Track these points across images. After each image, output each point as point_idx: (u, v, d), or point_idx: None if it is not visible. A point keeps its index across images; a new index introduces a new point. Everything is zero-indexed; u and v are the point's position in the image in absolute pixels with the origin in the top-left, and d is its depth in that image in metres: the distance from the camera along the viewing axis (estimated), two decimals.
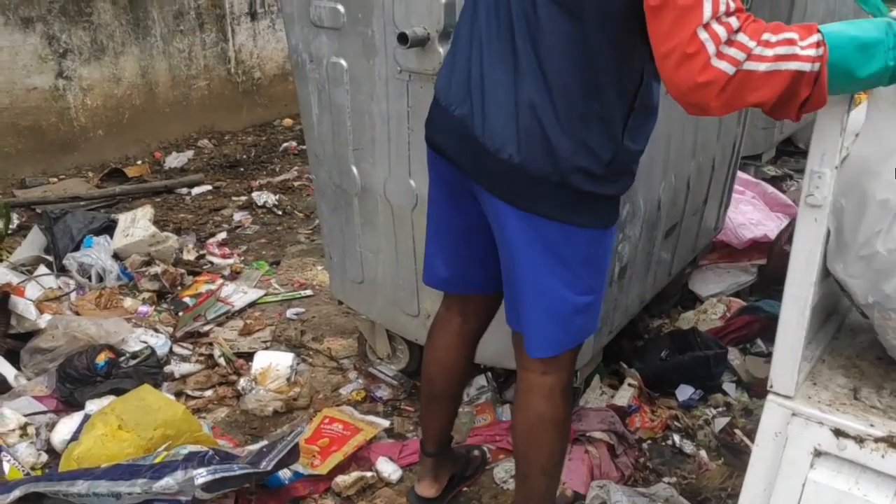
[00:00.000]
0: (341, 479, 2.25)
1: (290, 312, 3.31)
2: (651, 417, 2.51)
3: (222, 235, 4.12)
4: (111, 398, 2.50)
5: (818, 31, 1.19)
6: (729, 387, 2.70)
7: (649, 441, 2.46)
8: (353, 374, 2.86)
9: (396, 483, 2.29)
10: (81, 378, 2.61)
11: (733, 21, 1.19)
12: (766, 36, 1.19)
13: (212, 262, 3.76)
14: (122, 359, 2.73)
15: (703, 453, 2.39)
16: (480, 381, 2.65)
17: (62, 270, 3.37)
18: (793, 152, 4.98)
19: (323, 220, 2.72)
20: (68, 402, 2.58)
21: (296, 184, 4.95)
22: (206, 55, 5.76)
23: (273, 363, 2.78)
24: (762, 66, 1.18)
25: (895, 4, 1.38)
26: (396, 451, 2.39)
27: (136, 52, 5.30)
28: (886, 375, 1.51)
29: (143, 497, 1.93)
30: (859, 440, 1.36)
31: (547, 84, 1.44)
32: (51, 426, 2.45)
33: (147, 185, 4.84)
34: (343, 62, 2.29)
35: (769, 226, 3.38)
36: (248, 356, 2.90)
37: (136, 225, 3.55)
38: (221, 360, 2.87)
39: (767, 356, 2.78)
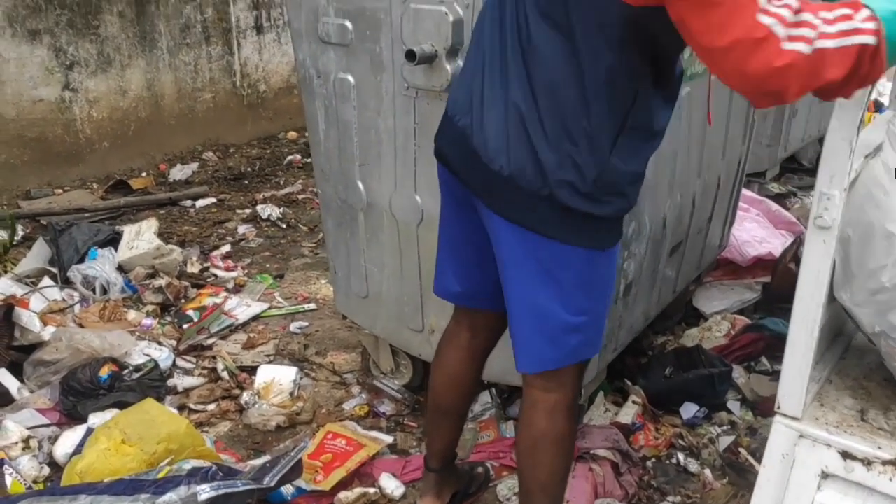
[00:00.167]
0: (344, 496, 2.24)
1: (293, 326, 3.31)
2: (655, 435, 2.50)
3: (226, 248, 4.12)
4: (114, 411, 2.49)
5: (864, 5, 1.18)
6: (734, 405, 2.68)
7: (653, 459, 2.45)
8: (357, 388, 2.85)
9: (399, 500, 2.27)
10: (84, 391, 2.61)
11: (792, 0, 1.17)
12: (823, 13, 1.17)
13: (215, 275, 3.76)
14: (126, 372, 2.73)
15: (707, 472, 2.38)
16: (484, 397, 2.64)
17: (66, 282, 3.37)
18: (796, 169, 4.98)
19: (328, 234, 2.72)
20: (71, 415, 2.58)
21: (300, 197, 4.95)
22: (212, 68, 5.79)
23: (276, 377, 2.78)
24: (831, 43, 1.15)
25: None
26: (399, 467, 2.38)
27: (143, 65, 5.33)
28: (894, 397, 1.51)
29: None
30: (867, 463, 1.36)
31: (534, 97, 1.44)
32: (53, 439, 2.45)
33: (152, 197, 4.85)
34: (350, 78, 2.30)
35: (773, 243, 3.38)
36: (252, 370, 2.89)
37: (140, 237, 3.55)
38: (224, 374, 2.87)
39: (772, 374, 2.77)
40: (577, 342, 1.62)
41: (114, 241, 3.60)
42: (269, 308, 3.46)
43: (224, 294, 3.46)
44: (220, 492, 1.90)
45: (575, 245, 1.53)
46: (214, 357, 2.99)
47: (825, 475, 1.39)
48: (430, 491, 2.12)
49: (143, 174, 5.30)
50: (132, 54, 5.25)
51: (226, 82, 5.92)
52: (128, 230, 3.69)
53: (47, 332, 2.88)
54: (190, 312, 3.24)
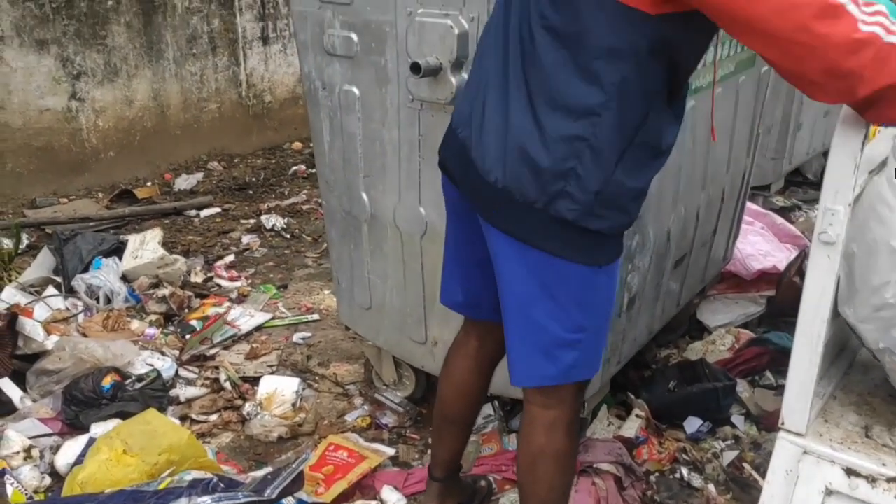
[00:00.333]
0: None
1: (296, 337, 3.31)
2: (659, 450, 2.49)
3: (230, 258, 4.12)
4: (116, 421, 2.49)
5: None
6: (738, 419, 2.67)
7: (657, 474, 2.43)
8: (359, 400, 2.85)
9: None
10: (87, 400, 2.61)
11: None
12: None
13: (219, 285, 3.76)
14: (128, 381, 2.73)
15: (711, 487, 2.36)
16: (487, 409, 2.63)
17: (71, 292, 3.37)
18: (801, 182, 4.98)
19: (332, 245, 2.72)
20: (73, 425, 2.58)
21: (304, 207, 4.96)
22: (218, 78, 5.82)
23: (279, 388, 2.77)
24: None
25: None
26: (401, 479, 2.37)
27: (149, 75, 5.36)
28: None
29: None
30: (871, 480, 1.35)
31: (535, 109, 1.43)
32: (55, 449, 2.44)
33: (156, 206, 4.86)
34: (355, 90, 2.31)
35: (778, 257, 3.37)
36: (254, 381, 2.89)
37: (145, 247, 3.56)
38: (227, 385, 2.86)
39: (776, 389, 2.76)
40: (572, 359, 1.61)
41: (118, 250, 3.61)
42: (273, 318, 3.46)
43: (227, 304, 3.46)
44: (221, 503, 1.90)
45: (571, 260, 1.51)
46: (217, 367, 2.99)
47: (829, 492, 1.38)
48: (433, 501, 2.11)
49: (149, 183, 5.32)
50: (139, 64, 5.28)
51: (231, 93, 5.94)
52: (132, 240, 3.70)
53: (51, 342, 2.89)
54: (193, 322, 3.24)
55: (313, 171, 5.37)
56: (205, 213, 4.83)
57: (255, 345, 3.20)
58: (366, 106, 2.31)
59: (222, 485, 1.98)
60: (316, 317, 3.50)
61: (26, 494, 2.24)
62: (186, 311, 3.41)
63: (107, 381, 2.67)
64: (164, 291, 3.39)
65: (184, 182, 5.35)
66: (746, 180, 3.05)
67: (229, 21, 5.78)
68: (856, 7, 1.15)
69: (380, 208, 2.41)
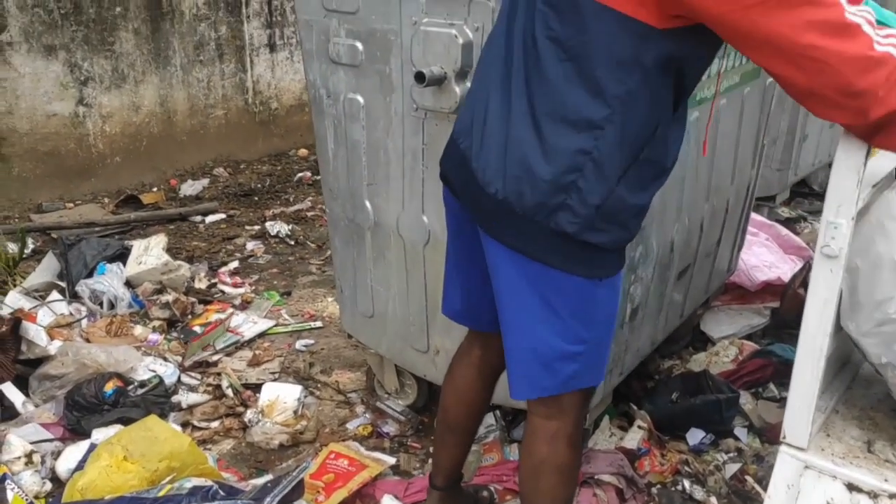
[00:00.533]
0: None
1: (299, 344, 3.31)
2: (661, 461, 2.47)
3: (234, 264, 4.13)
4: (118, 427, 2.49)
5: None
6: (741, 432, 2.66)
7: (658, 486, 2.42)
8: (361, 408, 2.84)
9: None
10: (89, 406, 2.61)
11: (868, 14, 1.21)
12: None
13: (223, 291, 3.77)
14: (131, 387, 2.73)
15: (713, 500, 2.35)
16: (489, 419, 2.62)
17: (75, 297, 3.38)
18: (807, 194, 4.96)
19: (335, 252, 2.72)
20: (75, 431, 2.58)
21: (309, 214, 4.97)
22: (225, 85, 5.84)
23: (280, 395, 2.77)
24: None
25: None
26: (402, 488, 2.36)
27: (156, 81, 5.38)
28: None
29: None
30: (873, 496, 1.34)
31: (538, 121, 1.43)
32: (56, 454, 2.44)
33: (161, 212, 4.87)
34: (360, 98, 2.31)
35: (783, 268, 3.36)
36: (256, 387, 2.89)
37: (149, 253, 3.57)
38: (229, 391, 2.86)
39: (780, 401, 2.75)
40: (573, 371, 1.60)
41: (122, 256, 3.62)
42: (276, 325, 3.46)
43: (229, 310, 3.46)
44: None
45: (570, 273, 1.50)
46: (219, 374, 2.99)
47: None
48: None
49: (154, 189, 5.34)
50: (146, 70, 5.31)
51: (238, 99, 5.96)
52: (136, 245, 3.71)
53: (54, 347, 2.89)
54: (196, 328, 3.25)
55: (319, 177, 5.35)
56: (210, 219, 4.84)
57: (257, 351, 3.20)
58: (370, 114, 2.31)
59: (222, 492, 1.98)
60: (319, 324, 3.49)
61: (27, 500, 2.24)
62: (190, 317, 3.41)
63: (109, 387, 2.67)
64: (168, 297, 3.40)
65: (189, 188, 5.36)
66: (751, 191, 3.04)
67: (236, 28, 5.81)
68: (871, 28, 1.19)
69: (383, 216, 2.42)
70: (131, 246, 3.73)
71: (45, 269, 3.54)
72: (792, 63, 1.23)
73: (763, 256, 3.41)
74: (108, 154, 5.22)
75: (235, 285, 3.88)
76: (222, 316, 3.33)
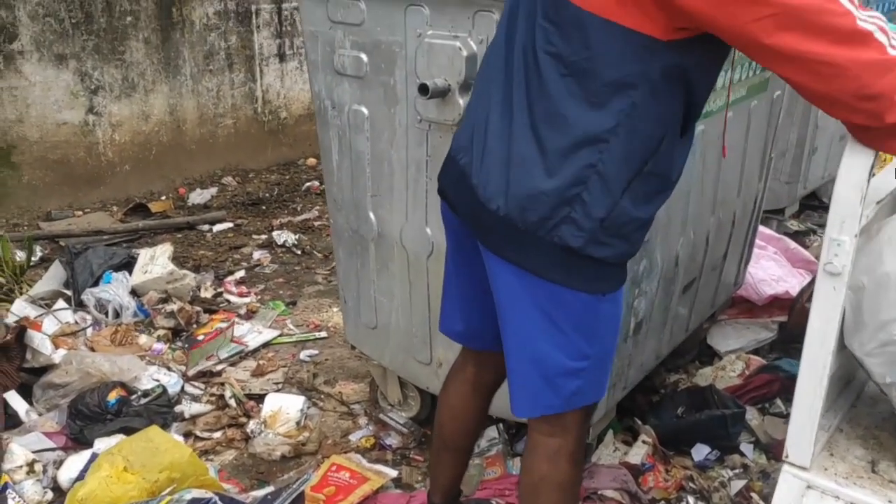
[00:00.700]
0: None
1: (303, 354, 3.30)
2: (665, 477, 2.45)
3: (240, 274, 4.13)
4: (120, 437, 2.49)
5: None
6: (746, 448, 2.63)
7: (662, 502, 2.39)
8: (364, 419, 2.83)
9: None
10: (92, 415, 2.61)
11: (880, 21, 1.23)
12: None
13: (229, 301, 3.77)
14: (134, 397, 2.73)
15: None
16: (491, 432, 2.61)
17: (80, 305, 3.39)
18: (816, 207, 4.92)
19: (339, 263, 2.72)
20: (77, 440, 2.58)
21: (316, 224, 4.97)
22: (234, 94, 5.86)
23: (283, 406, 2.76)
24: None
25: None
26: (403, 502, 2.35)
27: (166, 90, 5.40)
28: None
29: None
30: None
31: (537, 134, 1.42)
32: (58, 464, 2.44)
33: (169, 221, 4.88)
34: (364, 110, 2.31)
35: (791, 282, 3.33)
36: (260, 398, 2.88)
37: (154, 262, 3.57)
38: (232, 402, 2.85)
39: (787, 417, 2.69)
40: (576, 387, 1.58)
41: (128, 264, 3.63)
42: (280, 335, 3.46)
43: (234, 319, 3.45)
44: None
45: (574, 288, 1.49)
46: (223, 384, 2.98)
47: None
48: None
49: (163, 198, 5.35)
50: (156, 80, 5.33)
51: (247, 108, 5.98)
52: (142, 254, 3.71)
53: (58, 355, 2.89)
54: (200, 338, 3.25)
55: None
56: (217, 227, 4.85)
57: (261, 362, 3.19)
58: (374, 126, 2.31)
59: None
60: (324, 334, 3.49)
61: None
62: (195, 326, 3.41)
63: (112, 396, 2.67)
64: (173, 306, 3.40)
65: (198, 197, 5.38)
66: (758, 204, 3.02)
67: (246, 38, 5.83)
68: (883, 35, 1.21)
69: (387, 228, 2.41)
70: (137, 255, 3.73)
71: (52, 278, 3.55)
72: (807, 70, 1.25)
73: (771, 270, 3.39)
74: (117, 162, 5.24)
75: (241, 294, 3.88)
76: (224, 325, 3.33)
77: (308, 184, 5.79)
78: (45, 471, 2.42)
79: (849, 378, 1.63)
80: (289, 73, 6.19)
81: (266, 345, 3.36)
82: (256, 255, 4.43)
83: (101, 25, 4.95)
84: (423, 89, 1.99)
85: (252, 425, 2.70)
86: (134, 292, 3.50)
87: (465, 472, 2.14)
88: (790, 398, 2.72)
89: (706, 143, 2.30)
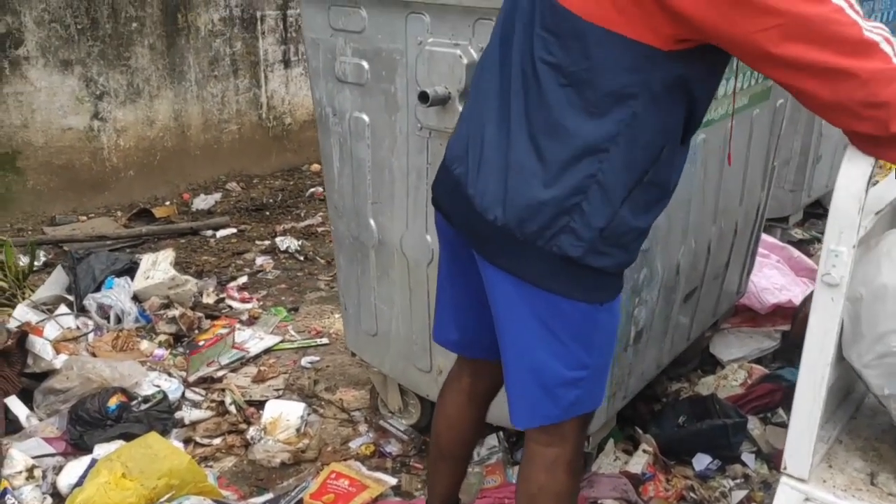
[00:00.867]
0: None
1: (304, 360, 3.30)
2: (666, 487, 2.44)
3: (243, 279, 4.13)
4: (120, 443, 2.49)
5: None
6: (748, 457, 2.61)
7: None
8: (364, 427, 2.82)
9: None
10: (92, 421, 2.61)
11: (884, 31, 1.24)
12: None
13: (231, 307, 3.77)
14: (134, 403, 2.73)
15: None
16: (492, 440, 2.60)
17: (82, 311, 3.39)
18: (821, 215, 4.89)
19: (340, 270, 2.72)
20: (77, 445, 2.58)
21: (319, 229, 4.97)
22: (239, 100, 5.88)
23: (284, 413, 2.76)
24: None
25: None
26: None
27: (171, 96, 5.42)
28: None
29: None
30: None
31: (536, 144, 1.41)
32: (58, 469, 2.44)
33: (173, 226, 4.89)
34: (365, 117, 2.32)
35: (794, 291, 3.32)
36: (260, 404, 2.88)
37: (156, 268, 3.58)
38: (232, 408, 2.85)
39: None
40: (575, 397, 1.58)
41: (131, 270, 3.63)
42: (282, 341, 3.45)
43: (235, 325, 3.45)
44: None
45: (572, 298, 1.48)
46: (223, 390, 2.98)
47: None
48: None
49: (167, 203, 5.36)
50: (161, 85, 5.35)
51: (252, 114, 6.00)
52: (145, 260, 3.72)
53: (59, 361, 2.90)
54: (201, 344, 3.25)
55: None
56: (221, 233, 4.86)
57: (262, 368, 3.19)
58: (375, 133, 2.31)
59: None
60: (325, 340, 3.49)
61: None
62: (196, 332, 3.41)
63: (113, 402, 2.67)
64: (175, 312, 3.40)
65: (202, 202, 5.39)
66: (761, 213, 3.01)
67: (251, 44, 5.85)
68: (888, 45, 1.23)
69: (387, 235, 2.41)
70: (140, 260, 3.74)
71: (54, 283, 3.56)
72: (813, 78, 1.25)
73: (774, 279, 3.37)
74: (121, 168, 5.26)
75: (244, 300, 3.88)
76: (224, 331, 3.33)
77: (312, 190, 5.80)
78: (44, 476, 2.42)
79: (848, 389, 1.62)
80: (293, 79, 6.20)
81: (267, 351, 3.36)
82: (259, 260, 4.43)
83: (106, 31, 4.97)
84: (424, 97, 1.99)
85: (252, 432, 2.70)
86: (136, 298, 3.50)
87: (465, 481, 2.13)
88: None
89: (707, 151, 2.29)
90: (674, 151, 1.46)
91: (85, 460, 2.44)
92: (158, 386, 2.88)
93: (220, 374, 3.11)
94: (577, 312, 1.50)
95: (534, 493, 1.67)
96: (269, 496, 2.37)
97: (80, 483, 2.29)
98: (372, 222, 2.44)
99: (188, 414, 2.82)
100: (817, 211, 4.93)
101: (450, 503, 2.06)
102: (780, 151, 3.08)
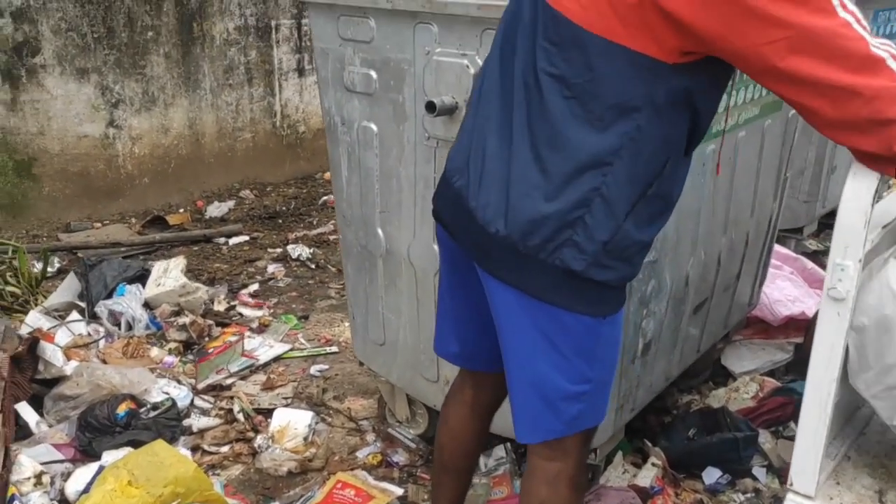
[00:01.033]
0: None
1: (313, 369, 3.30)
2: (675, 501, 2.41)
3: (254, 287, 4.15)
4: (128, 450, 2.50)
5: None
6: (759, 471, 2.58)
7: None
8: (372, 436, 2.82)
9: None
10: (101, 427, 2.62)
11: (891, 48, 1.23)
12: None
13: (241, 314, 3.78)
14: (143, 410, 2.74)
15: None
16: (499, 451, 2.58)
17: (94, 317, 3.41)
18: None
19: (348, 279, 2.72)
20: (86, 452, 2.59)
21: (331, 237, 4.98)
22: (253, 108, 5.91)
23: (291, 421, 2.76)
24: None
25: None
26: None
27: (186, 104, 5.46)
28: None
29: None
30: None
31: (539, 156, 1.40)
32: (66, 476, 2.45)
33: (186, 233, 4.92)
34: (373, 126, 2.32)
35: (807, 303, 3.28)
36: (268, 412, 2.88)
37: (167, 275, 3.60)
38: (240, 416, 2.85)
39: None
40: (578, 411, 1.56)
41: (142, 277, 3.65)
42: (292, 349, 3.46)
43: (245, 333, 3.46)
44: None
45: (574, 311, 1.47)
46: (232, 398, 2.99)
47: None
48: None
49: (181, 210, 5.40)
50: (176, 94, 5.39)
51: (266, 122, 6.03)
52: (156, 267, 3.74)
53: (70, 367, 2.91)
54: (210, 351, 3.25)
55: None
56: (233, 241, 4.88)
57: (271, 376, 3.20)
58: (383, 142, 2.31)
59: None
60: (335, 349, 3.49)
61: None
62: (206, 339, 3.42)
63: (122, 409, 2.68)
64: (185, 320, 3.41)
65: (215, 209, 5.42)
66: (773, 224, 2.98)
67: (266, 53, 5.89)
68: (895, 62, 1.21)
69: (395, 244, 2.41)
70: (152, 267, 3.76)
71: (66, 289, 3.59)
72: (818, 94, 1.23)
73: (787, 290, 3.33)
74: (136, 175, 5.30)
75: (256, 306, 3.89)
76: (233, 339, 3.34)
77: (325, 198, 5.81)
78: (52, 483, 2.43)
79: (857, 404, 1.60)
80: (307, 87, 6.23)
81: (277, 359, 3.37)
82: (271, 268, 4.45)
83: (122, 40, 5.02)
84: (431, 107, 1.99)
85: (259, 440, 2.70)
86: (147, 305, 3.52)
87: (472, 492, 2.12)
88: None
89: (717, 162, 2.27)
90: (677, 164, 1.44)
91: (93, 467, 2.45)
92: (167, 393, 2.89)
93: (229, 381, 3.12)
94: (580, 326, 1.49)
95: None
96: None
97: (87, 490, 2.29)
98: (380, 231, 2.44)
99: (196, 421, 2.83)
100: (832, 222, 4.85)
101: None
102: (794, 162, 3.05)
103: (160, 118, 5.34)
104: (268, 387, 3.12)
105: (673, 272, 2.27)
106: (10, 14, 4.53)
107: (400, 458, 2.68)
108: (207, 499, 2.22)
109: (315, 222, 5.34)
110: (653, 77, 1.32)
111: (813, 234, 4.58)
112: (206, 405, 2.97)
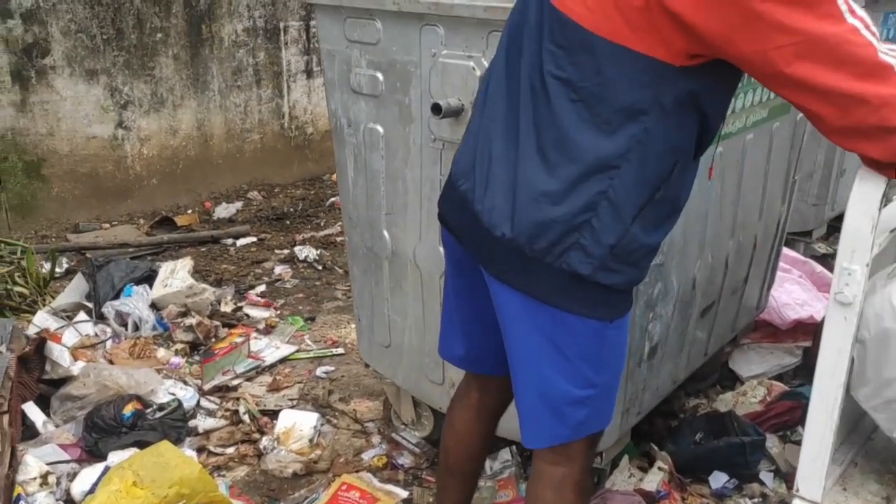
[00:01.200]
0: None
1: (320, 370, 3.30)
2: None
3: (261, 288, 4.15)
4: (134, 450, 2.50)
5: None
6: (766, 476, 2.56)
7: None
8: (377, 438, 2.81)
9: None
10: (107, 428, 2.63)
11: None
12: None
13: (248, 315, 3.78)
14: (149, 410, 2.74)
15: None
16: (505, 454, 2.58)
17: (101, 318, 3.42)
18: None
19: (354, 281, 2.72)
20: (92, 453, 2.59)
21: (338, 239, 4.98)
22: (262, 110, 5.92)
23: (297, 423, 2.77)
24: None
25: None
26: None
27: (194, 106, 5.48)
28: None
29: None
30: None
31: (545, 160, 1.39)
32: (72, 476, 2.46)
33: (194, 234, 4.93)
34: (379, 128, 2.32)
35: (816, 307, 3.26)
36: (274, 414, 2.89)
37: (174, 276, 3.60)
38: (246, 417, 2.86)
39: None
40: (583, 416, 1.55)
41: (150, 278, 3.66)
42: (298, 351, 3.46)
43: (253, 334, 3.46)
44: None
45: (580, 315, 1.46)
46: (238, 399, 2.99)
47: None
48: None
49: (189, 211, 5.41)
50: (184, 95, 5.41)
51: (274, 124, 6.04)
52: (163, 268, 3.75)
53: (77, 367, 2.92)
54: (217, 352, 3.26)
55: None
56: (241, 242, 4.89)
57: (278, 377, 3.20)
58: (389, 144, 2.31)
59: None
60: (341, 350, 3.48)
61: None
62: (213, 340, 3.43)
63: (128, 409, 2.68)
64: (192, 320, 3.42)
65: (223, 211, 5.43)
66: (781, 227, 2.96)
67: (274, 54, 5.90)
68: None
69: (400, 246, 2.41)
70: (159, 268, 3.77)
71: (74, 290, 3.60)
72: (825, 100, 1.23)
73: (795, 294, 3.31)
74: (145, 176, 5.32)
75: (264, 305, 3.90)
76: (239, 340, 3.34)
77: (332, 199, 5.82)
78: (58, 483, 2.43)
79: (865, 410, 1.58)
80: (316, 89, 6.24)
81: (283, 360, 3.37)
82: (278, 269, 4.45)
83: (131, 41, 5.04)
84: (436, 109, 1.99)
85: (265, 441, 2.70)
86: (154, 306, 3.53)
87: (477, 495, 2.11)
88: None
89: (724, 165, 2.26)
90: (685, 168, 1.44)
91: (99, 467, 2.45)
92: (174, 394, 2.90)
93: (235, 382, 3.12)
94: (586, 329, 1.48)
95: None
96: None
97: (92, 490, 2.30)
98: (385, 233, 2.44)
99: (202, 422, 2.83)
100: (841, 225, 4.84)
101: None
102: (803, 164, 3.03)
103: (169, 119, 5.36)
104: (274, 388, 3.12)
105: (680, 275, 2.25)
106: (21, 15, 4.55)
107: (405, 460, 2.68)
108: (212, 500, 2.22)
109: (322, 224, 5.34)
110: (660, 80, 1.31)
111: (822, 237, 4.55)
112: (212, 406, 2.97)
